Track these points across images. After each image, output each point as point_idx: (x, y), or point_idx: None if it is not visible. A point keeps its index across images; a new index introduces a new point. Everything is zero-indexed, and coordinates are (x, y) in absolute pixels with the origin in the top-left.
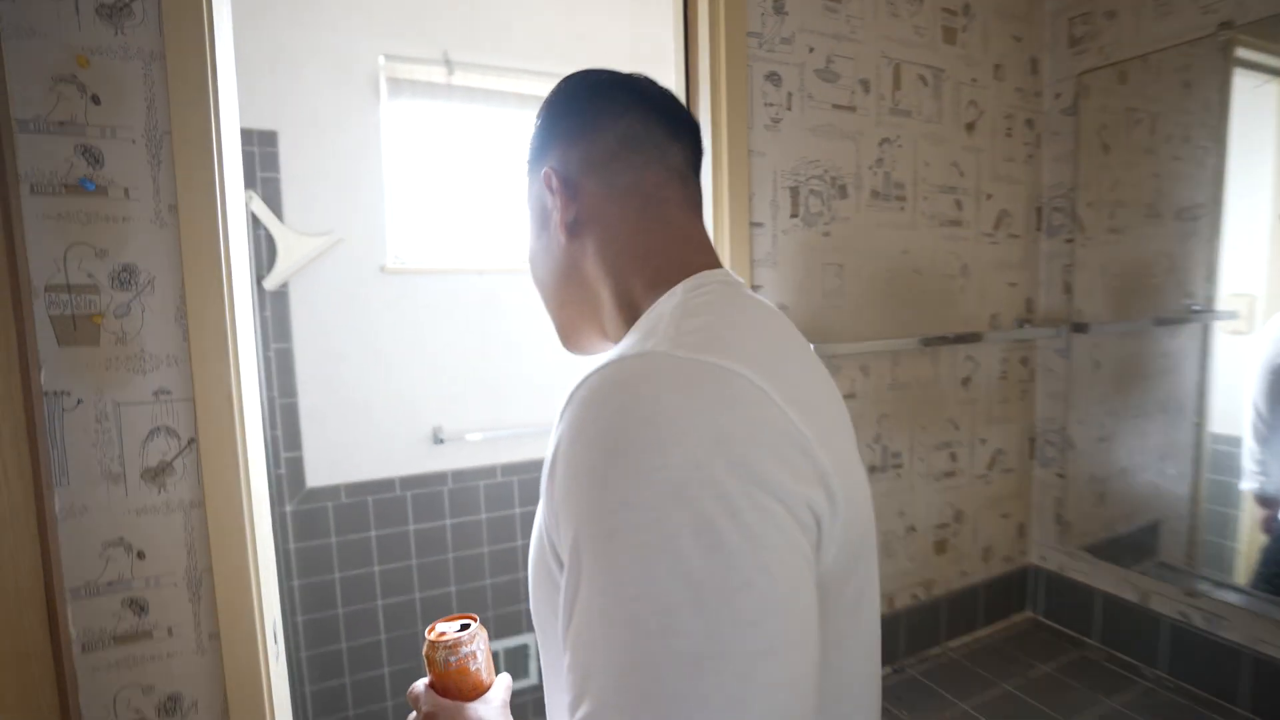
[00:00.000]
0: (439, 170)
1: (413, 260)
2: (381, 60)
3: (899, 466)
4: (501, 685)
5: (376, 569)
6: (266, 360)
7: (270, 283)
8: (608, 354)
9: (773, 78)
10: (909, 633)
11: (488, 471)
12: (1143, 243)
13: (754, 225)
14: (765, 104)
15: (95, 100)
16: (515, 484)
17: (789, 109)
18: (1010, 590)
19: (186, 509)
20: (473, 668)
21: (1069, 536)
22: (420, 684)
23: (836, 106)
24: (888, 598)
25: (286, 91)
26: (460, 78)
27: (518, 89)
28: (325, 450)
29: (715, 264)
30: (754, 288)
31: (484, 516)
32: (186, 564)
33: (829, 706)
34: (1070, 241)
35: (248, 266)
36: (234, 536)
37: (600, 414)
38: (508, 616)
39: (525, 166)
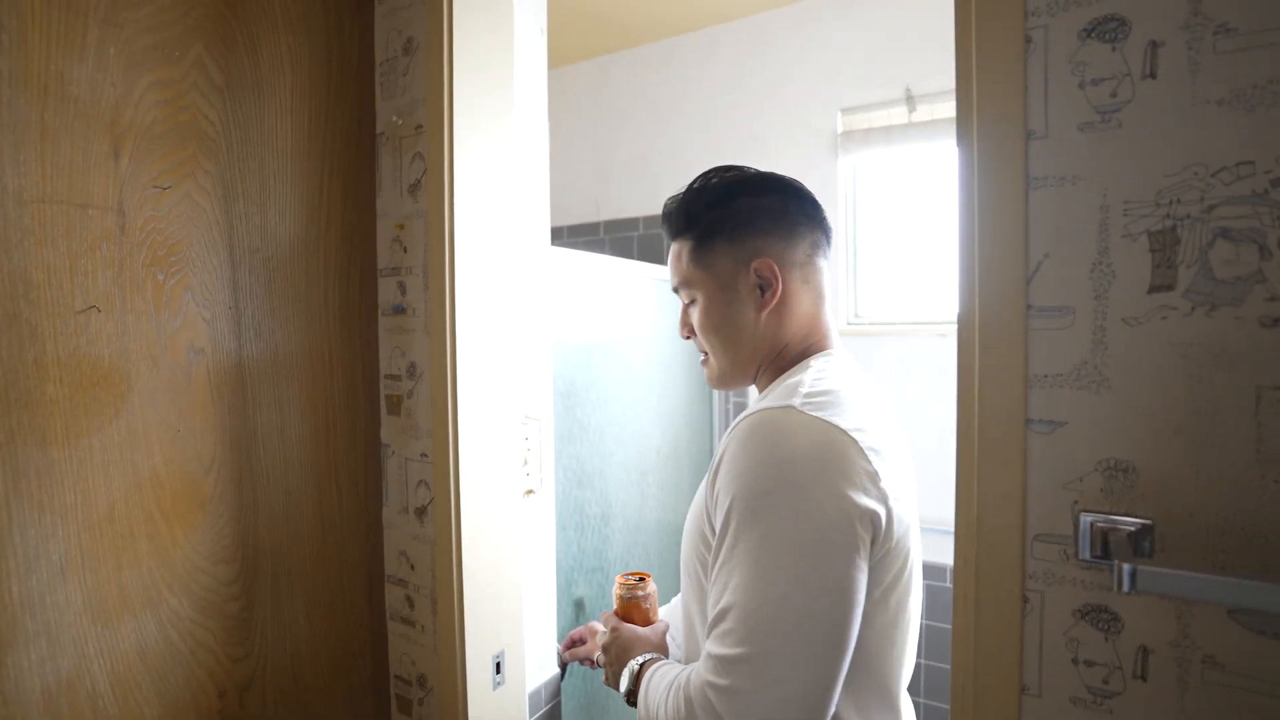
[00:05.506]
0: (896, 221)
1: (868, 320)
2: (839, 115)
3: None
4: (663, 622)
5: None
6: (725, 410)
7: None
8: (763, 400)
9: (1105, 29)
10: None
11: None
12: None
13: (1037, 312)
14: (1082, 83)
15: (405, 250)
16: (925, 589)
17: (1149, 77)
18: None
19: (431, 544)
20: (644, 606)
21: None
22: (608, 613)
23: None
24: None
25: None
26: (923, 113)
27: None
28: None
29: (831, 343)
30: (1033, 424)
31: None
32: (429, 584)
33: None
34: None
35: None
36: (448, 577)
37: (756, 439)
38: None
39: (696, 231)
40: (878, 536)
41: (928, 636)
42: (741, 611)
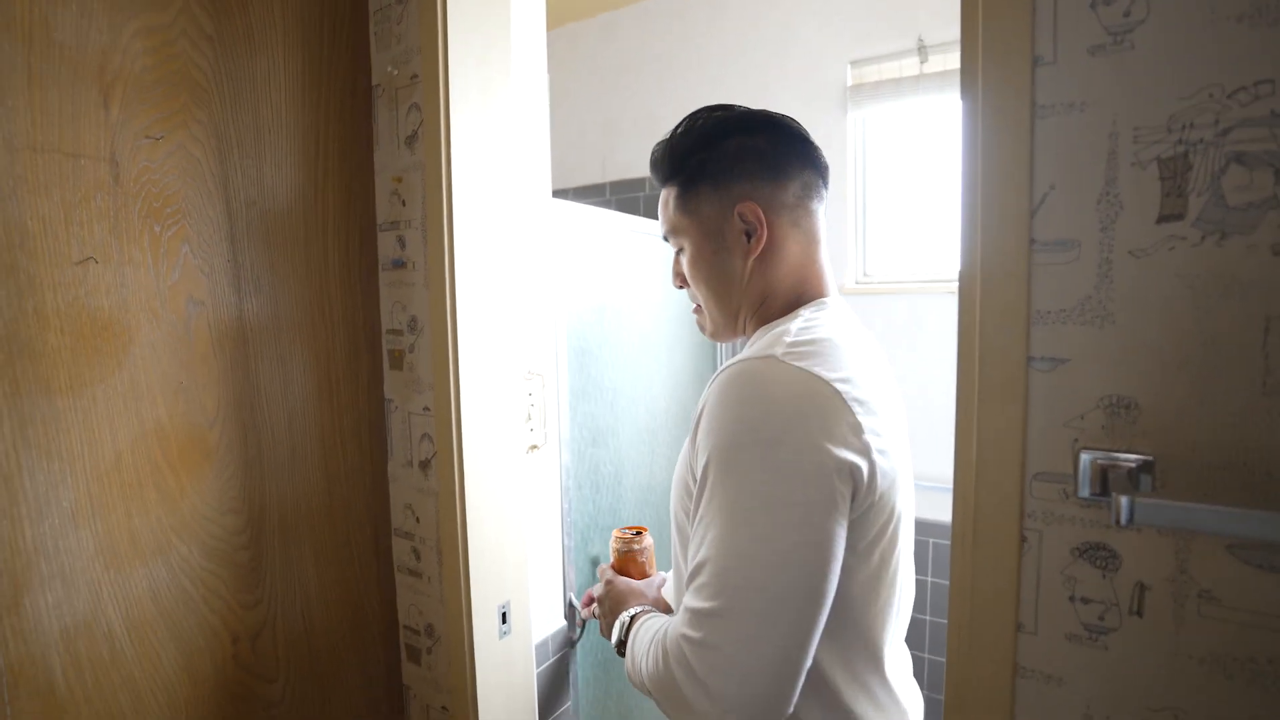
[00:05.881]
0: (906, 177)
1: (876, 279)
2: (848, 67)
3: None
4: (659, 575)
5: None
6: None
7: None
8: (747, 350)
9: None
10: None
11: None
12: None
13: (1042, 247)
14: (1093, 3)
15: (403, 203)
16: (930, 546)
17: None
18: None
19: (435, 497)
20: (640, 559)
21: None
22: (605, 565)
23: None
24: None
25: None
26: (935, 63)
27: None
28: None
29: (827, 290)
30: (1034, 361)
31: None
32: (434, 536)
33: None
34: None
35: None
36: (451, 528)
37: (734, 390)
38: None
39: (681, 176)
40: (859, 491)
41: (932, 593)
42: (715, 566)
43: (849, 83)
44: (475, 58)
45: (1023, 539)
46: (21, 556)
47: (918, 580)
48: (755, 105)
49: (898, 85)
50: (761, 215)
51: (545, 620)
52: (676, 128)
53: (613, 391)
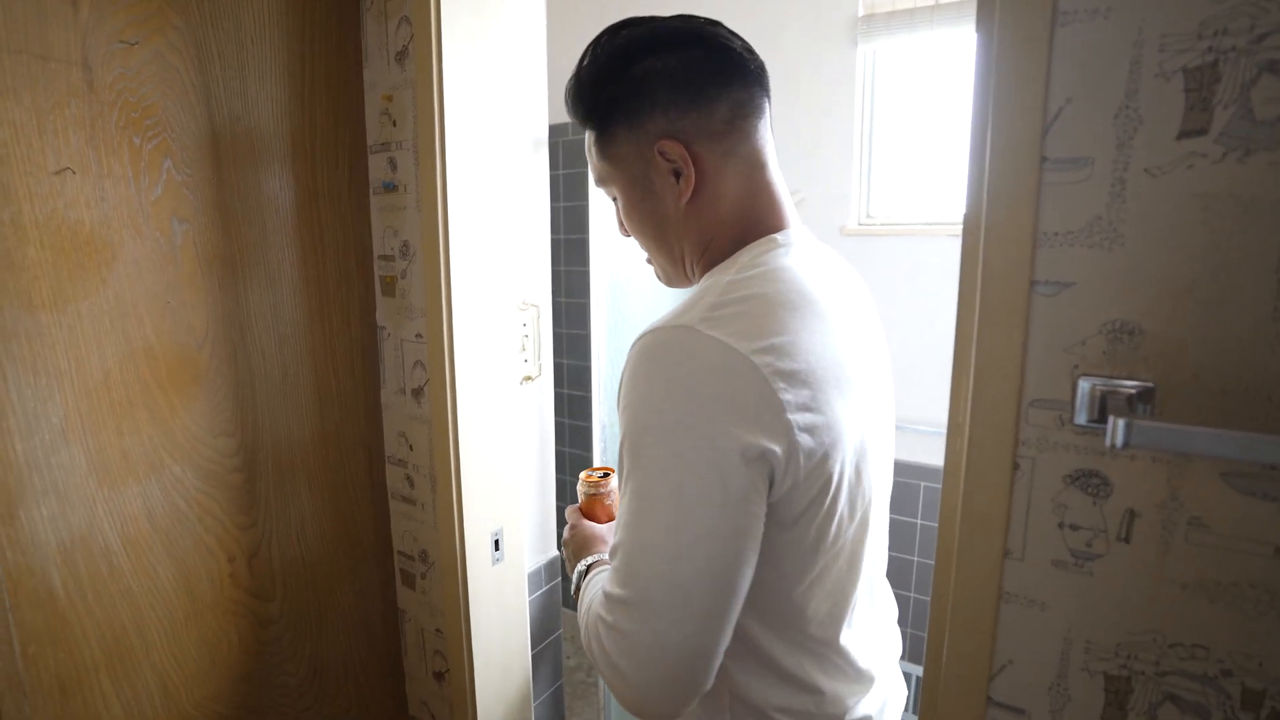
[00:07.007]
0: (915, 116)
1: (879, 220)
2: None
3: None
4: None
5: None
6: None
7: None
8: (673, 310)
9: None
10: None
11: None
12: None
13: (1053, 164)
14: None
15: (394, 124)
16: (921, 490)
17: None
18: None
19: (429, 424)
20: (607, 502)
21: None
22: (573, 507)
23: None
24: None
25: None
26: None
27: None
28: None
29: (782, 222)
30: (1038, 285)
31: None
32: (428, 464)
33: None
34: None
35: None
36: (444, 456)
37: (645, 365)
38: None
39: (595, 117)
40: (776, 474)
41: (922, 536)
42: (624, 553)
43: (860, 13)
44: None
45: (1015, 466)
46: (14, 470)
47: (908, 523)
48: (763, 36)
49: (912, 16)
50: (684, 152)
51: (537, 550)
52: (582, 56)
53: (637, 329)
